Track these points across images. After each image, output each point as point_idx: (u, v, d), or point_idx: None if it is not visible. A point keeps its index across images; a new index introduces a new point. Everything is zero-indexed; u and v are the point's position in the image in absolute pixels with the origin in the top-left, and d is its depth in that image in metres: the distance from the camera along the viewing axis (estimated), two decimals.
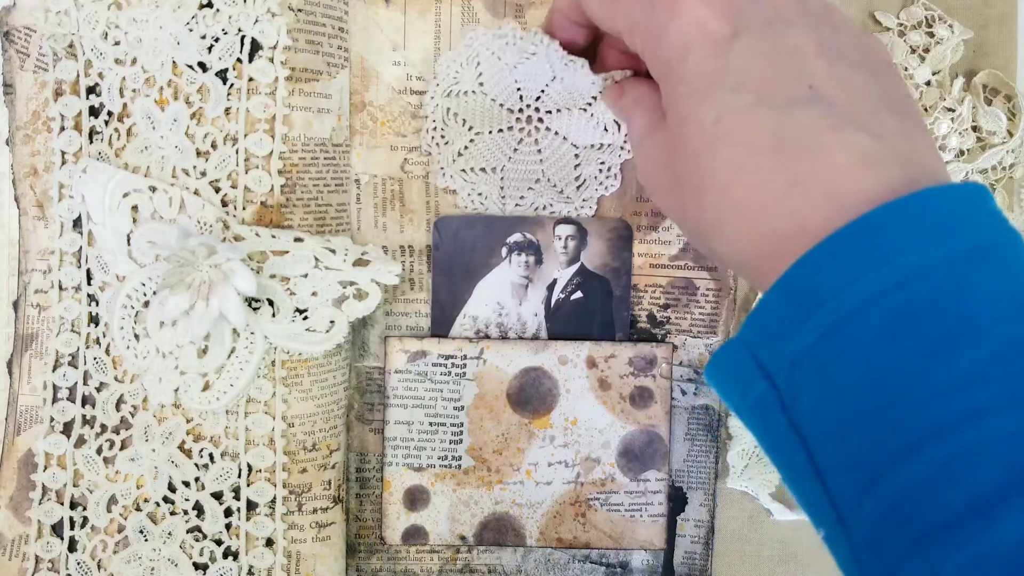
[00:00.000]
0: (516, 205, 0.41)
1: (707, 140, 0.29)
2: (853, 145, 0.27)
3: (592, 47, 0.39)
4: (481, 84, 0.40)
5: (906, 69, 0.41)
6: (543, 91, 0.40)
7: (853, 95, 0.28)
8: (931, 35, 0.41)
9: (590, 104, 0.40)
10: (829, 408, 0.25)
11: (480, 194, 0.41)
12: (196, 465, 0.39)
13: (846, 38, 0.30)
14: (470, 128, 0.40)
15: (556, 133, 0.40)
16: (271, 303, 0.38)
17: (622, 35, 0.33)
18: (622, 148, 0.41)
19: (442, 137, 0.40)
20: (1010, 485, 0.22)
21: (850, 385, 0.25)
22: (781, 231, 0.27)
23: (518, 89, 0.40)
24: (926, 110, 0.40)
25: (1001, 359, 0.23)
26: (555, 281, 0.41)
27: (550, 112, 0.40)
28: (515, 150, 0.40)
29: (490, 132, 0.40)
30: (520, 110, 0.40)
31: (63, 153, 0.39)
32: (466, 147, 0.40)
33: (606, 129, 0.40)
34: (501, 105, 0.40)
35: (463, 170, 0.41)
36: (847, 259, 0.25)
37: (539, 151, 0.41)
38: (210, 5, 0.38)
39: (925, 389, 0.23)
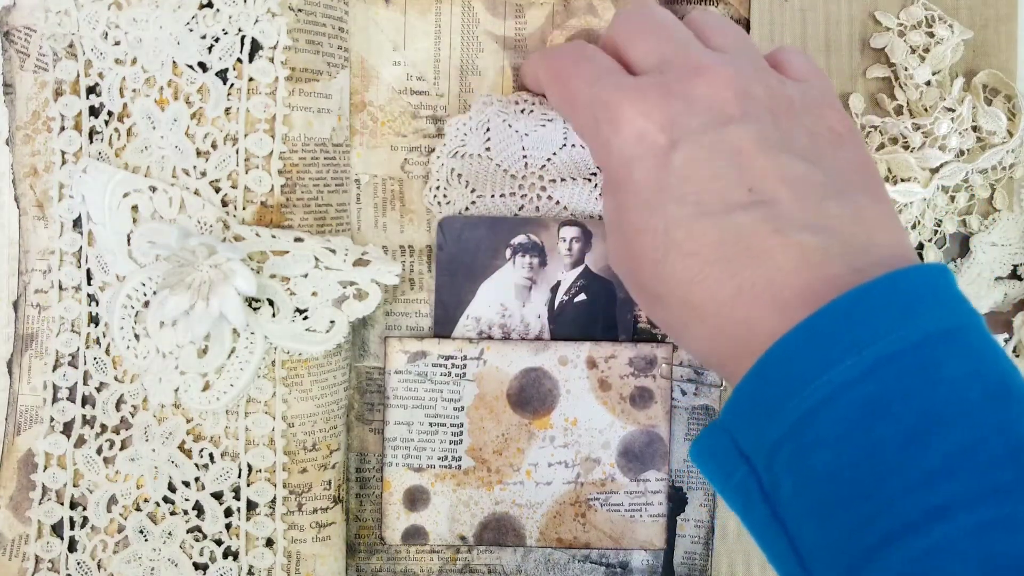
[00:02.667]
0: None
1: (661, 251, 0.30)
2: (795, 246, 0.27)
3: None
4: (488, 149, 0.40)
5: (906, 69, 0.41)
6: (549, 159, 0.40)
7: (797, 189, 0.28)
8: (931, 35, 0.41)
9: (595, 174, 0.40)
10: (806, 496, 0.25)
11: None
12: (196, 465, 0.39)
13: (791, 122, 0.30)
14: (472, 190, 0.40)
15: (557, 202, 0.40)
16: (271, 303, 0.38)
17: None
18: None
19: (444, 196, 0.41)
20: None
21: (824, 475, 0.25)
22: (736, 336, 0.28)
23: (524, 156, 0.40)
24: (925, 110, 0.41)
25: (967, 451, 0.23)
26: (559, 283, 0.41)
27: (554, 181, 0.40)
28: (515, 215, 0.41)
29: (492, 196, 0.40)
30: (524, 177, 0.40)
31: (63, 153, 0.39)
32: (467, 208, 0.40)
33: None
34: (505, 171, 0.40)
35: None
36: (817, 348, 0.25)
37: (539, 215, 0.41)
38: (210, 5, 0.38)
39: (896, 483, 0.24)
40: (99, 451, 0.39)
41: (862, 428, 0.24)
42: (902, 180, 0.40)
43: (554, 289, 0.41)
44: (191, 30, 0.38)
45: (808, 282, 0.27)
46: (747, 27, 0.41)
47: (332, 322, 0.38)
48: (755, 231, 0.28)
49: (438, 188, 0.41)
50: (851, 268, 0.27)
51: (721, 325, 0.29)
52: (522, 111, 0.40)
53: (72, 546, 0.39)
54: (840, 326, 0.25)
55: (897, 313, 0.25)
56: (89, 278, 0.39)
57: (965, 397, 0.24)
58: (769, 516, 0.27)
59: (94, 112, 0.39)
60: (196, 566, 0.39)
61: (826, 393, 0.25)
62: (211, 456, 0.39)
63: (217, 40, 0.38)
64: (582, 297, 0.41)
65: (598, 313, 0.41)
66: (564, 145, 0.40)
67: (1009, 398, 0.25)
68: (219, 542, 0.39)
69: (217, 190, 0.38)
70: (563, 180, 0.40)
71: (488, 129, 0.40)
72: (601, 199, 0.40)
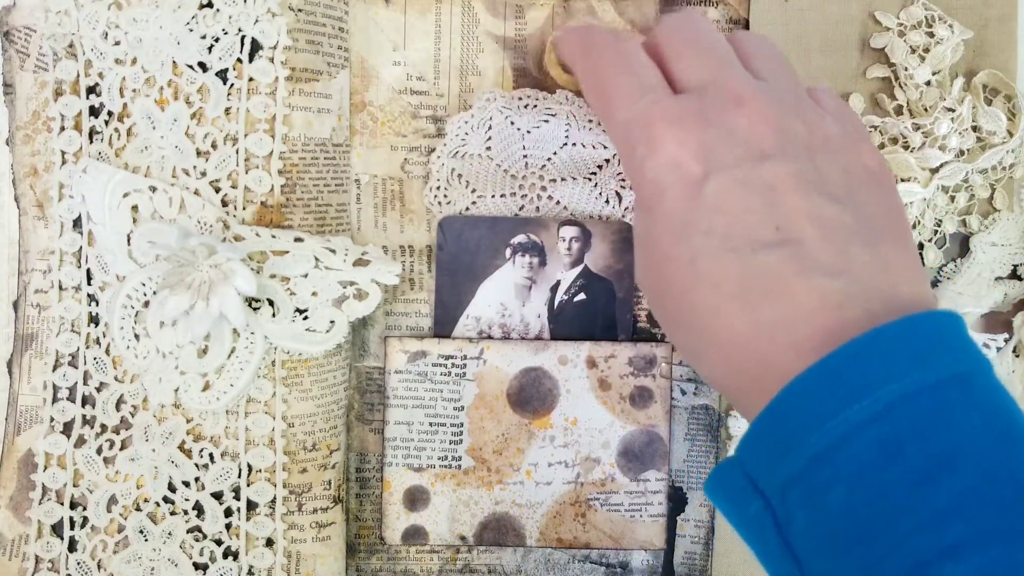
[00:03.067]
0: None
1: (686, 280, 0.30)
2: (817, 289, 0.28)
3: None
4: (488, 148, 0.40)
5: (906, 69, 0.41)
6: (550, 159, 0.40)
7: (824, 230, 0.29)
8: (931, 35, 0.41)
9: (594, 173, 0.40)
10: (819, 532, 0.26)
11: None
12: (196, 465, 0.39)
13: (827, 159, 0.30)
14: (473, 191, 0.40)
15: (558, 202, 0.40)
16: (271, 303, 0.38)
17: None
18: (622, 218, 0.41)
19: (445, 196, 0.41)
20: None
21: (837, 513, 0.25)
22: (753, 371, 0.28)
23: (525, 156, 0.40)
24: (925, 110, 0.41)
25: (978, 492, 0.24)
26: (559, 283, 0.41)
27: (554, 180, 0.40)
28: (515, 215, 0.41)
29: (492, 196, 0.40)
30: (524, 177, 0.40)
31: (63, 153, 0.39)
32: (467, 208, 0.40)
33: (607, 201, 0.40)
34: (506, 171, 0.40)
35: None
36: (833, 388, 0.26)
37: (539, 215, 0.41)
38: (210, 5, 0.38)
39: (908, 522, 0.24)
40: (99, 451, 0.39)
41: (875, 468, 0.25)
42: (902, 180, 0.40)
43: (554, 289, 0.41)
44: (191, 30, 0.38)
45: (826, 324, 0.27)
46: (746, 27, 0.41)
47: (332, 322, 0.38)
48: (779, 271, 0.28)
49: (438, 188, 0.41)
50: (869, 312, 0.27)
51: (739, 358, 0.29)
52: (525, 106, 0.40)
53: (72, 546, 0.39)
54: (854, 368, 0.26)
55: (910, 357, 0.26)
56: (89, 278, 0.39)
57: (975, 440, 0.25)
58: (783, 549, 0.27)
59: (94, 112, 0.39)
60: (196, 566, 0.39)
61: (840, 433, 0.25)
62: (211, 456, 0.39)
63: (217, 40, 0.38)
64: (582, 297, 0.41)
65: (598, 313, 0.41)
66: (565, 144, 0.40)
67: (1017, 443, 0.25)
68: (219, 542, 0.39)
69: (217, 190, 0.38)
70: (563, 180, 0.40)
71: (490, 127, 0.40)
72: (600, 199, 0.40)
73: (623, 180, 0.41)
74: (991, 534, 0.23)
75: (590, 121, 0.40)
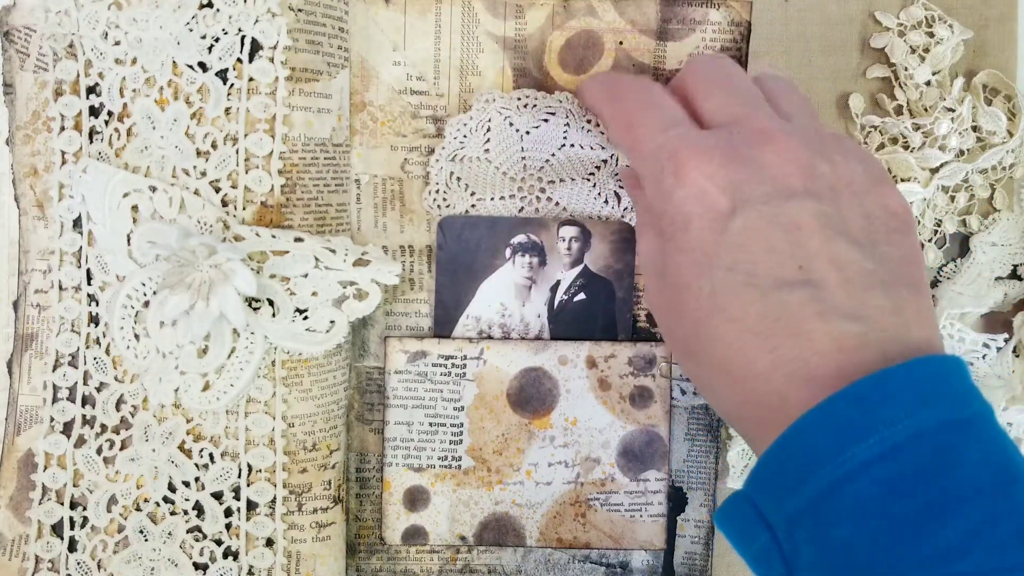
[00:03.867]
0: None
1: (704, 311, 0.30)
2: (835, 332, 0.28)
3: None
4: (487, 151, 0.40)
5: (906, 69, 0.41)
6: (547, 161, 0.40)
7: (845, 274, 0.29)
8: (931, 35, 0.41)
9: (592, 174, 0.40)
10: (825, 567, 0.26)
11: None
12: (196, 465, 0.39)
13: (851, 201, 0.31)
14: (472, 193, 0.40)
15: (557, 204, 0.40)
16: (271, 303, 0.38)
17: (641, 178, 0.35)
18: (621, 218, 0.41)
19: (444, 200, 0.41)
20: None
21: (843, 547, 0.26)
22: (765, 405, 0.29)
23: (523, 158, 0.40)
24: (925, 110, 0.41)
25: (980, 531, 0.24)
26: (558, 282, 0.41)
27: (553, 182, 0.40)
28: (515, 216, 0.41)
29: (492, 199, 0.40)
30: (523, 179, 0.40)
31: (63, 153, 0.39)
32: (467, 212, 0.40)
33: (607, 202, 0.40)
34: (504, 174, 0.40)
35: None
36: (840, 426, 0.27)
37: (539, 216, 0.41)
38: (210, 5, 0.38)
39: (911, 559, 0.25)
40: (99, 451, 0.39)
41: (880, 505, 0.25)
42: (902, 180, 0.40)
43: (554, 288, 0.41)
44: (191, 30, 0.38)
45: (841, 365, 0.28)
46: (748, 28, 0.41)
47: (332, 322, 0.38)
48: (799, 311, 0.29)
49: (437, 192, 0.41)
50: (884, 356, 0.28)
51: (752, 393, 0.29)
52: (524, 105, 0.40)
53: (72, 546, 0.39)
54: (861, 407, 0.26)
55: (915, 399, 0.26)
56: (89, 278, 0.39)
57: (977, 481, 0.25)
58: None
59: (94, 112, 0.39)
60: (196, 566, 0.39)
61: (847, 470, 0.26)
62: (211, 456, 0.39)
63: (217, 40, 0.38)
64: (581, 296, 0.41)
65: (597, 312, 0.41)
66: (563, 145, 0.40)
67: (1017, 484, 0.26)
68: (219, 542, 0.39)
69: (217, 190, 0.38)
70: (562, 181, 0.40)
71: (488, 129, 0.40)
72: (600, 199, 0.41)
73: (621, 181, 0.41)
74: (993, 570, 0.24)
75: (588, 121, 0.40)
